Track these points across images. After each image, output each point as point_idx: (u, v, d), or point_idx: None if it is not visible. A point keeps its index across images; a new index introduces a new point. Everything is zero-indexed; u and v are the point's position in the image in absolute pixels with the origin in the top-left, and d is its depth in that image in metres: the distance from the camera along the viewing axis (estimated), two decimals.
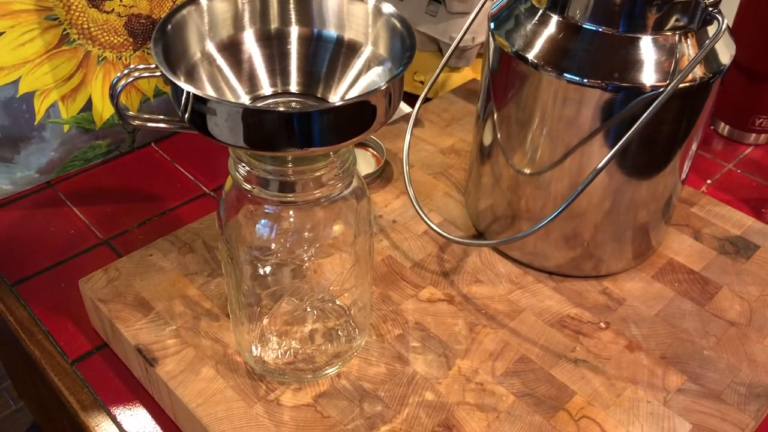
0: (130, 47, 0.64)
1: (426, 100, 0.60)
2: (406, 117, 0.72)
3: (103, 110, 0.65)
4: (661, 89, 0.45)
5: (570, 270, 0.55)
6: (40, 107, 0.62)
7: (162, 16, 0.62)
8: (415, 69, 0.79)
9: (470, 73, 0.79)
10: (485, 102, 0.55)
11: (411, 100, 0.77)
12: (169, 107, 0.70)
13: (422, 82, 0.79)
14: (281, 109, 0.32)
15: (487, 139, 0.55)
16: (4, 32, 0.57)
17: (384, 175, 0.64)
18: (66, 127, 0.64)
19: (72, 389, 0.51)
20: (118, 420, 0.49)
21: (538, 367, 0.48)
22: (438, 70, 0.58)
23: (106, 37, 0.62)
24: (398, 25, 0.37)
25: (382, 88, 0.33)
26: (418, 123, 0.71)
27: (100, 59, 0.63)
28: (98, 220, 0.64)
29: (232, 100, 0.39)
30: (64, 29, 0.59)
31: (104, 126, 0.67)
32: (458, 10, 0.72)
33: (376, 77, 0.38)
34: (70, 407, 0.50)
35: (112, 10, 0.61)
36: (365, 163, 0.65)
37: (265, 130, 0.33)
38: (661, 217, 0.55)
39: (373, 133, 0.35)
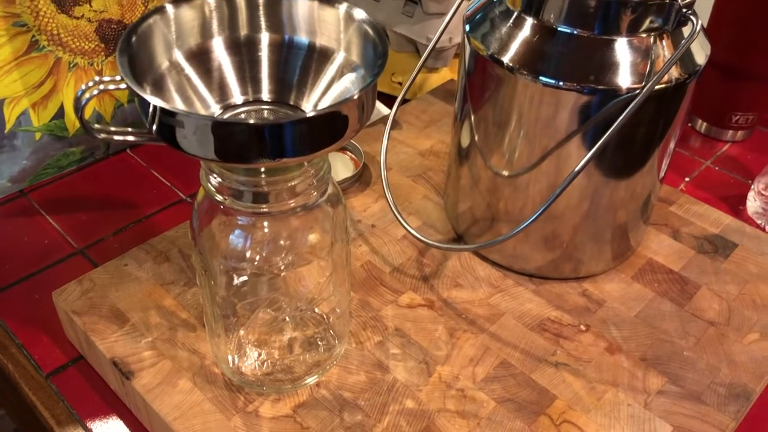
0: (102, 53, 0.63)
1: (404, 101, 0.59)
2: (384, 119, 0.71)
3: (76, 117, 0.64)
4: (637, 91, 0.45)
5: (550, 272, 0.55)
6: (10, 115, 0.60)
7: (130, 23, 0.61)
8: (392, 70, 0.78)
9: (448, 73, 0.79)
10: (462, 104, 0.54)
11: (389, 101, 0.76)
12: None
13: (400, 83, 0.78)
14: (251, 121, 0.32)
15: (465, 141, 0.55)
16: None
17: (362, 178, 0.64)
18: (38, 135, 0.63)
19: (47, 404, 0.50)
20: None
21: (519, 372, 0.48)
22: (415, 72, 0.57)
23: (77, 43, 0.61)
24: (370, 31, 0.36)
25: (355, 97, 0.33)
26: (396, 125, 0.71)
27: (71, 65, 0.61)
28: (73, 229, 0.63)
29: (202, 110, 0.38)
30: (33, 35, 0.58)
31: (77, 133, 0.65)
32: (435, 10, 0.71)
33: (349, 84, 0.37)
34: (45, 422, 0.49)
35: (82, 15, 0.60)
36: (343, 166, 0.64)
37: (236, 142, 0.32)
38: (640, 217, 0.55)
39: (347, 142, 0.35)
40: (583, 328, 0.52)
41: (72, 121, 0.64)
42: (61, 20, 0.59)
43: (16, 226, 0.63)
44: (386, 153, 0.56)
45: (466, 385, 0.47)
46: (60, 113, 0.63)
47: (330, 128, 0.33)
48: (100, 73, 0.64)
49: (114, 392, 0.50)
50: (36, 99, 0.61)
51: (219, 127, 0.32)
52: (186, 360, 0.48)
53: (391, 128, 0.57)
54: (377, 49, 0.35)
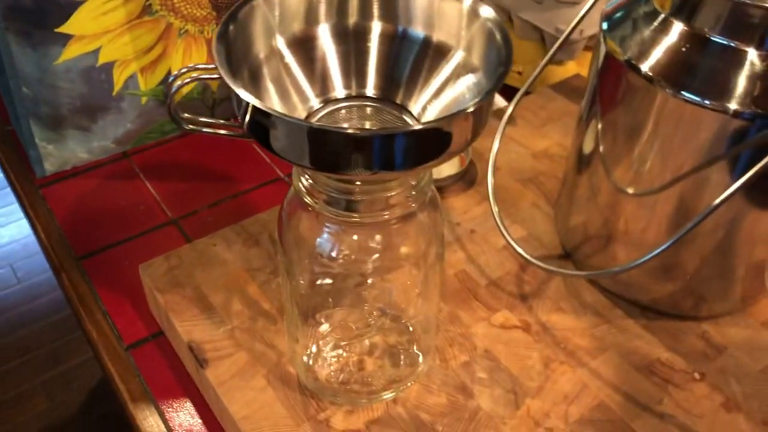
0: (213, 21, 0.61)
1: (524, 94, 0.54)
2: (499, 112, 0.66)
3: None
4: None
5: (666, 307, 0.49)
6: (119, 78, 0.60)
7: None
8: (514, 58, 0.73)
9: (574, 67, 0.72)
10: (589, 105, 0.49)
11: (506, 92, 0.70)
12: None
13: (520, 73, 0.73)
14: (351, 131, 0.28)
15: (588, 147, 0.50)
16: (87, 0, 0.55)
17: (467, 176, 0.59)
18: (144, 99, 0.62)
19: (123, 377, 0.49)
20: (165, 416, 0.47)
21: (618, 418, 0.43)
22: (540, 67, 0.52)
23: (189, 10, 0.59)
24: (495, 31, 0.32)
25: (470, 110, 0.28)
26: (510, 120, 0.65)
27: (181, 32, 0.60)
28: (169, 197, 0.62)
29: (300, 105, 0.35)
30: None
31: (183, 99, 0.64)
32: None
33: (465, 89, 0.33)
34: (120, 395, 0.49)
35: None
36: (448, 163, 0.60)
37: (333, 151, 0.29)
38: None
39: (456, 155, 0.31)
40: (697, 376, 0.46)
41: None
42: None
43: (115, 188, 0.63)
44: (496, 154, 0.52)
45: (556, 425, 0.43)
46: (167, 79, 0.62)
47: (439, 141, 0.29)
48: (209, 42, 0.62)
49: (189, 374, 0.49)
50: (145, 63, 0.60)
51: (315, 134, 0.28)
52: (263, 355, 0.46)
53: (506, 124, 0.52)
54: (500, 53, 0.31)
